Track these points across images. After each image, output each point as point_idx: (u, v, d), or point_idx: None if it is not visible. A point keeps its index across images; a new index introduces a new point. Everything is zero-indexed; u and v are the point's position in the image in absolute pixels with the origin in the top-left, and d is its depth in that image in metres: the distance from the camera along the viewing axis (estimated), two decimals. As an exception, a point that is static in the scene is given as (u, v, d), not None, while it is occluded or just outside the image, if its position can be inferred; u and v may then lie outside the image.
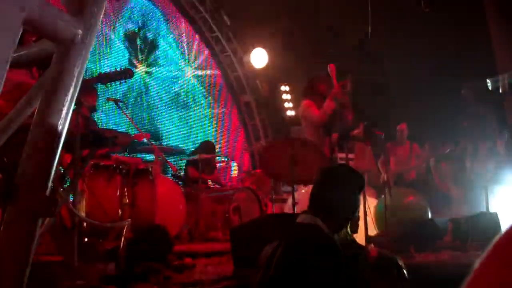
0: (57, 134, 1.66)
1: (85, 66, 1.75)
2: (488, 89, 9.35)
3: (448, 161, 9.50)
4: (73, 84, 1.69)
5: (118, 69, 4.35)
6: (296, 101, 13.09)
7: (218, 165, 9.71)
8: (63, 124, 1.66)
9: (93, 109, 6.57)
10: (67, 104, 1.67)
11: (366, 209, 5.84)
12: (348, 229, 3.06)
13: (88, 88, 6.58)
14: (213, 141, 11.48)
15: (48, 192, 1.64)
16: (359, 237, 6.03)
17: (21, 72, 3.76)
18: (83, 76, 1.75)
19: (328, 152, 5.90)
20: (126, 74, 4.35)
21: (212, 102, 13.06)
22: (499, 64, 9.26)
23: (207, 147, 9.08)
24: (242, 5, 11.87)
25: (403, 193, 7.98)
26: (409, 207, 7.69)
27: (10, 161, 2.58)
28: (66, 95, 1.67)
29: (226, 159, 12.26)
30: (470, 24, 9.06)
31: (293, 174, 5.30)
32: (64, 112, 1.66)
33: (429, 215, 7.66)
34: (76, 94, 1.70)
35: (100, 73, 4.49)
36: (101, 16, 1.80)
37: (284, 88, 13.54)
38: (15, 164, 2.09)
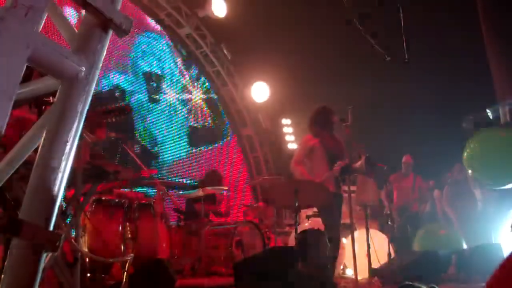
0: (61, 170, 1.66)
1: (89, 102, 1.77)
2: (489, 118, 9.39)
3: (451, 186, 9.51)
4: (76, 120, 1.71)
5: (118, 105, 4.40)
6: (297, 134, 13.15)
7: (221, 198, 9.63)
8: (67, 160, 1.67)
9: (101, 143, 6.58)
10: (70, 140, 1.68)
11: (369, 242, 5.83)
12: None
13: (96, 122, 6.61)
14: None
15: (51, 227, 1.64)
16: (363, 270, 6.02)
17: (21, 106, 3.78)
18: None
19: (334, 187, 5.81)
20: (125, 110, 4.39)
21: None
22: (499, 94, 9.33)
23: (212, 179, 9.02)
24: (243, 39, 11.99)
25: (436, 226, 8.46)
26: (443, 240, 7.92)
27: (13, 196, 2.59)
28: (70, 131, 1.69)
29: (228, 192, 12.19)
30: (470, 56, 9.16)
31: (296, 201, 5.31)
32: (68, 148, 1.67)
33: (464, 245, 7.87)
34: (79, 130, 1.71)
35: (100, 108, 4.51)
36: (104, 52, 1.83)
37: (285, 121, 13.59)
38: (18, 199, 2.10)
